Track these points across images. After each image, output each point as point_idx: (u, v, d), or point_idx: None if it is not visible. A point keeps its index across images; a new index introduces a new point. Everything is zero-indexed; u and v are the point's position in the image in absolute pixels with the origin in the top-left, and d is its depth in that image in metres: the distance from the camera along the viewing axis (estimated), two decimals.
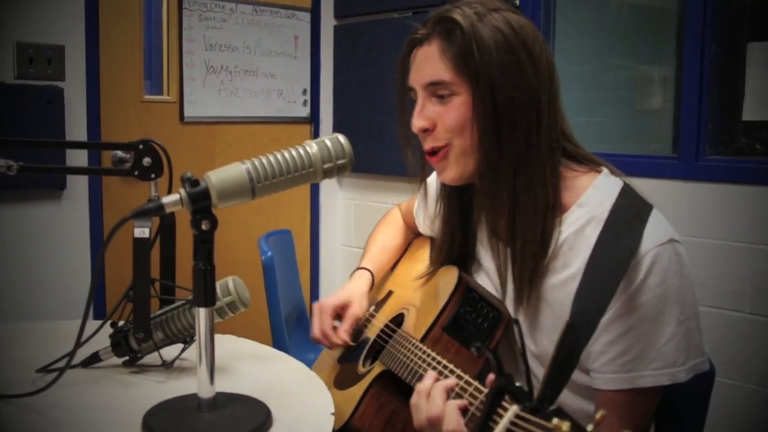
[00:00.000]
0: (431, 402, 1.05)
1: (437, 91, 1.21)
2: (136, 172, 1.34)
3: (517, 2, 3.00)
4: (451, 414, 1.01)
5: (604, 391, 1.15)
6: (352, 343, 1.50)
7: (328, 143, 1.14)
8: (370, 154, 3.27)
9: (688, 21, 2.58)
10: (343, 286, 1.58)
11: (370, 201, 3.59)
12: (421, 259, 1.55)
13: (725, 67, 2.64)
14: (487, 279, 1.35)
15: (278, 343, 2.11)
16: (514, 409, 0.79)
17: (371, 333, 1.50)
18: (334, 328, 1.50)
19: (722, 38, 2.61)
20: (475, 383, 1.03)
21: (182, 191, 1.07)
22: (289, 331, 2.30)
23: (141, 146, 1.33)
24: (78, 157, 2.70)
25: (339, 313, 1.52)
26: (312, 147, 1.13)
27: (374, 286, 1.61)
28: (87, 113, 2.83)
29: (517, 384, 0.83)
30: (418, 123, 1.24)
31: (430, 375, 1.10)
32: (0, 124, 2.54)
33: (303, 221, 3.68)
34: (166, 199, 1.07)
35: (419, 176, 1.38)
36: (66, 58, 2.76)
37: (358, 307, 1.51)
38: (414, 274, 1.49)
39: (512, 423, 0.78)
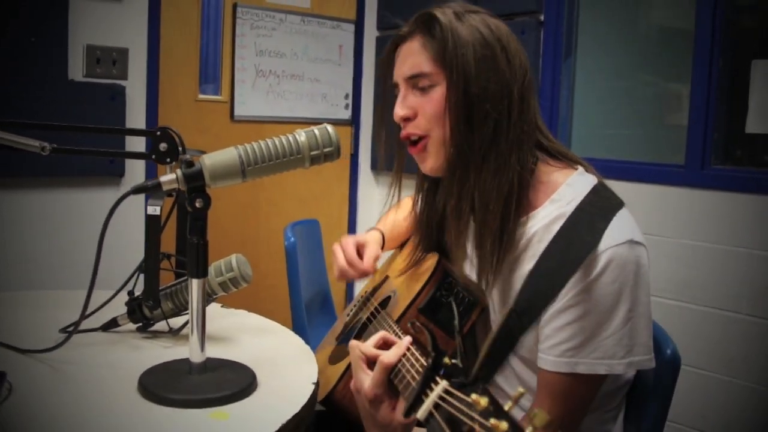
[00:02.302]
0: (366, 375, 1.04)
1: (418, 83, 1.18)
2: (153, 156, 1.35)
3: (542, 18, 2.95)
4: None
5: (545, 372, 1.12)
6: (375, 271, 1.45)
7: (317, 132, 1.13)
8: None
9: (698, 39, 2.51)
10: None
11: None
12: None
13: (731, 83, 2.56)
14: (471, 266, 1.32)
15: (297, 325, 2.10)
16: (443, 384, 0.77)
17: (365, 314, 1.49)
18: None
19: (729, 55, 2.53)
20: (422, 359, 1.00)
21: (178, 171, 1.07)
22: (312, 315, 2.29)
23: (159, 132, 1.34)
24: (138, 147, 2.74)
25: (358, 248, 1.47)
26: (301, 135, 1.13)
27: (376, 271, 1.58)
28: (146, 110, 2.87)
29: (453, 361, 0.81)
30: (400, 112, 1.21)
31: (377, 337, 1.08)
32: (69, 116, 2.61)
33: (341, 215, 3.69)
34: (164, 178, 1.08)
35: (395, 171, 1.34)
36: (129, 60, 2.82)
37: (374, 248, 1.47)
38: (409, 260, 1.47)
39: (440, 397, 0.76)
